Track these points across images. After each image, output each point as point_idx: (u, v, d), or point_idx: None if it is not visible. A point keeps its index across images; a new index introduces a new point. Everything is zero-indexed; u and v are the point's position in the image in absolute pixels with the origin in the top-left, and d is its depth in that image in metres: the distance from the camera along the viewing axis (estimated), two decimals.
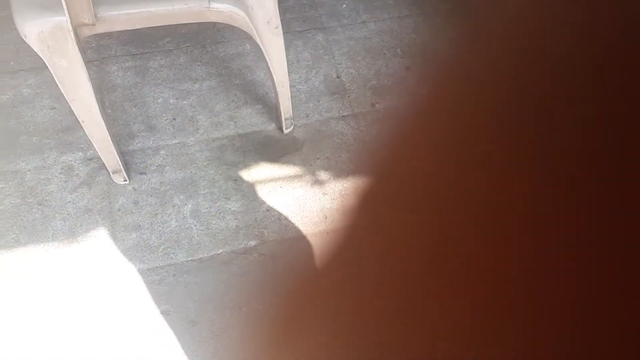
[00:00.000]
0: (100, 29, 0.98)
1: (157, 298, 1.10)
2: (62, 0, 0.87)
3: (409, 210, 0.12)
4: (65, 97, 1.04)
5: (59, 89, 1.41)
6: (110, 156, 1.19)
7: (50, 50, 0.95)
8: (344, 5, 1.70)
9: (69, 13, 0.92)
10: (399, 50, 1.65)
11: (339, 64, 1.55)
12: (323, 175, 1.33)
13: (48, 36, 0.94)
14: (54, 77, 1.01)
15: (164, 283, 1.12)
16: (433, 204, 0.12)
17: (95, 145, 1.16)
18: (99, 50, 1.50)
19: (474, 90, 0.12)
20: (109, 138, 1.14)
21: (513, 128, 0.11)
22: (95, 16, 0.96)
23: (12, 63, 1.47)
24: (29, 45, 1.51)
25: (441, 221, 0.12)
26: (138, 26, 1.01)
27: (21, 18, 0.94)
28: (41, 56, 0.97)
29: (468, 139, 0.11)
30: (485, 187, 0.11)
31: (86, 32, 0.97)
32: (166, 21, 1.03)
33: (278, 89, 1.26)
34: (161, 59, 1.50)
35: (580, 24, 0.10)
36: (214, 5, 1.03)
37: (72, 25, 0.95)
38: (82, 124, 1.10)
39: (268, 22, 1.13)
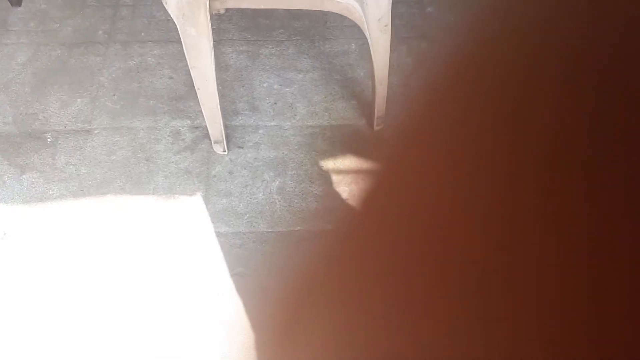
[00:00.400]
0: (230, 3, 1.08)
1: (236, 260, 1.18)
2: None
3: (480, 218, 0.13)
4: (188, 63, 1.16)
5: (179, 61, 1.55)
6: (215, 126, 1.30)
7: (184, 18, 1.07)
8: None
9: None
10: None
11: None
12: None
13: (185, 5, 1.05)
14: (182, 43, 1.12)
15: (244, 248, 1.20)
16: (509, 213, 0.12)
17: (204, 114, 1.28)
18: (218, 32, 1.63)
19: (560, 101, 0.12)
20: (218, 108, 1.24)
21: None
22: None
23: (142, 34, 1.63)
24: (159, 20, 1.68)
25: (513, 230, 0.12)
26: (262, 6, 1.11)
27: None
28: (176, 22, 1.08)
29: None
30: (535, 193, 0.11)
31: (217, 5, 1.07)
32: (289, 5, 1.12)
33: (376, 86, 1.32)
34: (272, 47, 1.61)
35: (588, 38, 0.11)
36: None
37: None
38: (197, 92, 1.22)
39: (379, 20, 1.18)
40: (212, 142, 1.35)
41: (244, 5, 1.11)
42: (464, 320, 0.13)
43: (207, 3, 1.04)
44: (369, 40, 1.20)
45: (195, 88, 1.21)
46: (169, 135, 1.39)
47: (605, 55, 0.11)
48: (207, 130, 1.34)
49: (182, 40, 1.11)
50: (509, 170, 0.13)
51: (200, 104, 1.25)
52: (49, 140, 1.37)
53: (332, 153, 1.38)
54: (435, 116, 0.15)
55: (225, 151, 1.35)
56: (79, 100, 1.46)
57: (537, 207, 0.11)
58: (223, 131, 1.31)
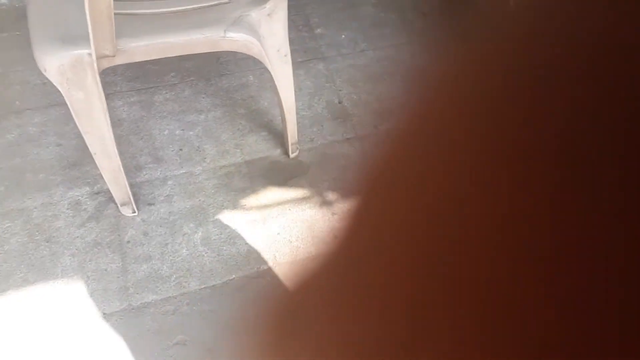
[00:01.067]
0: (119, 60, 0.99)
1: (173, 328, 1.06)
2: (90, 33, 0.88)
3: (411, 228, 0.13)
4: (80, 129, 1.04)
5: (64, 125, 1.42)
6: (119, 188, 1.18)
7: (68, 83, 0.96)
8: (343, 36, 1.74)
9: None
10: (398, 75, 1.67)
11: (341, 90, 1.57)
12: (331, 196, 1.32)
13: (68, 69, 0.95)
14: (70, 109, 1.01)
15: (178, 313, 1.08)
16: (434, 222, 0.12)
17: (105, 178, 1.15)
18: (104, 87, 1.50)
19: (471, 111, 0.12)
20: (121, 170, 1.13)
21: (509, 143, 0.11)
22: (116, 48, 0.97)
23: (17, 103, 1.47)
24: (34, 85, 1.53)
25: (440, 237, 0.12)
26: (155, 57, 1.03)
27: (42, 52, 0.95)
28: (59, 89, 0.97)
29: (465, 156, 0.12)
30: (486, 203, 0.11)
31: (105, 64, 0.98)
32: (183, 51, 1.04)
33: (286, 115, 1.27)
34: (166, 92, 1.51)
35: (573, 36, 0.11)
36: (230, 34, 1.05)
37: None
38: (93, 157, 1.10)
39: (278, 50, 1.15)
40: (119, 205, 1.23)
41: (135, 60, 1.02)
42: (449, 352, 0.12)
43: (95, 64, 0.94)
44: (272, 73, 1.16)
45: (92, 153, 1.09)
46: (67, 208, 1.25)
47: (566, 74, 0.11)
48: (111, 193, 1.22)
49: (69, 106, 1.00)
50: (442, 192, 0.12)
51: (99, 168, 1.13)
52: None
53: (253, 189, 1.31)
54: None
55: (135, 212, 1.23)
56: None
57: (505, 230, 0.11)
58: (129, 191, 1.20)
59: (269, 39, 1.14)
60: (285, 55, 1.20)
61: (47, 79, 1.55)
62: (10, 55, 1.61)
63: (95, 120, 1.05)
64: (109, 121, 1.05)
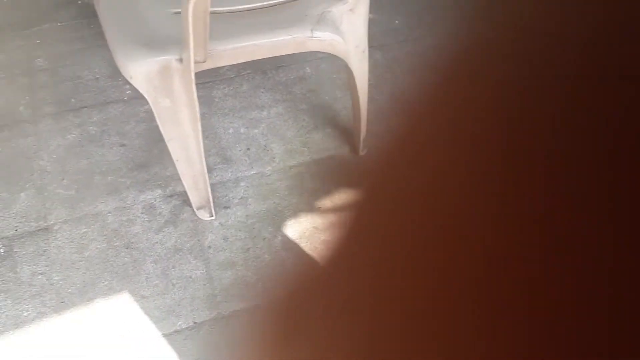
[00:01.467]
0: (208, 65, 0.95)
1: None
2: (190, 40, 0.85)
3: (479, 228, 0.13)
4: (164, 135, 1.02)
5: (125, 124, 1.39)
6: (198, 193, 1.16)
7: (155, 91, 0.93)
8: (397, 22, 1.69)
9: (182, 52, 0.90)
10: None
11: (402, 81, 1.54)
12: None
13: (155, 76, 0.91)
14: (155, 116, 0.98)
15: None
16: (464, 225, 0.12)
17: (185, 183, 1.14)
18: None
19: (536, 95, 0.12)
20: (204, 175, 1.11)
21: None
22: (207, 53, 0.94)
23: (72, 100, 1.43)
24: (87, 80, 1.48)
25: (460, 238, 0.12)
26: (242, 60, 0.99)
27: (127, 59, 0.91)
28: (146, 97, 0.94)
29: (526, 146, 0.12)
30: (511, 204, 0.11)
31: (194, 68, 0.94)
32: (270, 53, 1.01)
33: (361, 112, 1.25)
34: (224, 87, 1.48)
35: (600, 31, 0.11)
36: (317, 34, 1.01)
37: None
38: (175, 163, 1.08)
39: (357, 46, 1.12)
40: (195, 209, 1.22)
41: (222, 64, 0.98)
42: None
43: (192, 73, 0.91)
44: (353, 71, 1.13)
45: (174, 160, 1.07)
46: (142, 213, 1.23)
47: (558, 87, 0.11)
48: (185, 196, 1.20)
49: (154, 112, 0.97)
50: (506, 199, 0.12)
51: (180, 174, 1.11)
52: (1, 251, 1.16)
53: (326, 190, 1.30)
54: (418, 131, 0.15)
55: (212, 216, 1.22)
56: (22, 194, 1.25)
57: (530, 235, 0.11)
58: (210, 195, 1.18)
59: (349, 35, 1.11)
60: (364, 52, 1.17)
61: (99, 74, 1.51)
62: (56, 49, 1.56)
63: (181, 127, 1.03)
64: (199, 128, 1.02)
